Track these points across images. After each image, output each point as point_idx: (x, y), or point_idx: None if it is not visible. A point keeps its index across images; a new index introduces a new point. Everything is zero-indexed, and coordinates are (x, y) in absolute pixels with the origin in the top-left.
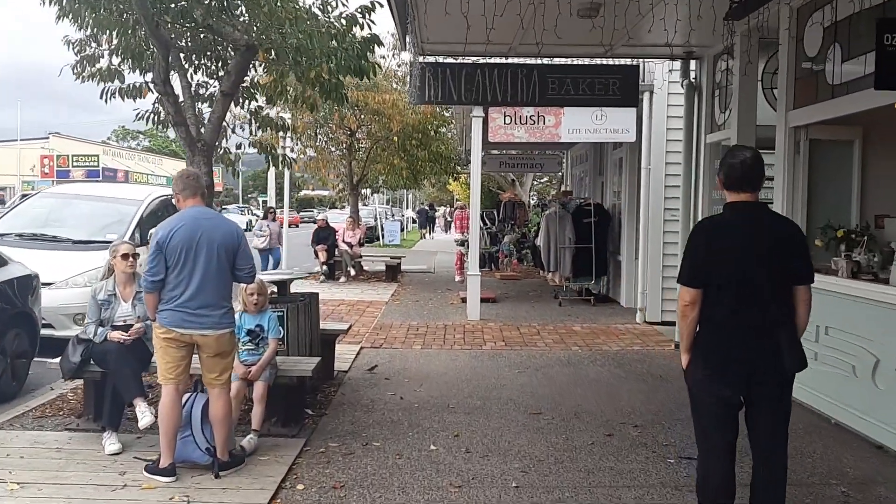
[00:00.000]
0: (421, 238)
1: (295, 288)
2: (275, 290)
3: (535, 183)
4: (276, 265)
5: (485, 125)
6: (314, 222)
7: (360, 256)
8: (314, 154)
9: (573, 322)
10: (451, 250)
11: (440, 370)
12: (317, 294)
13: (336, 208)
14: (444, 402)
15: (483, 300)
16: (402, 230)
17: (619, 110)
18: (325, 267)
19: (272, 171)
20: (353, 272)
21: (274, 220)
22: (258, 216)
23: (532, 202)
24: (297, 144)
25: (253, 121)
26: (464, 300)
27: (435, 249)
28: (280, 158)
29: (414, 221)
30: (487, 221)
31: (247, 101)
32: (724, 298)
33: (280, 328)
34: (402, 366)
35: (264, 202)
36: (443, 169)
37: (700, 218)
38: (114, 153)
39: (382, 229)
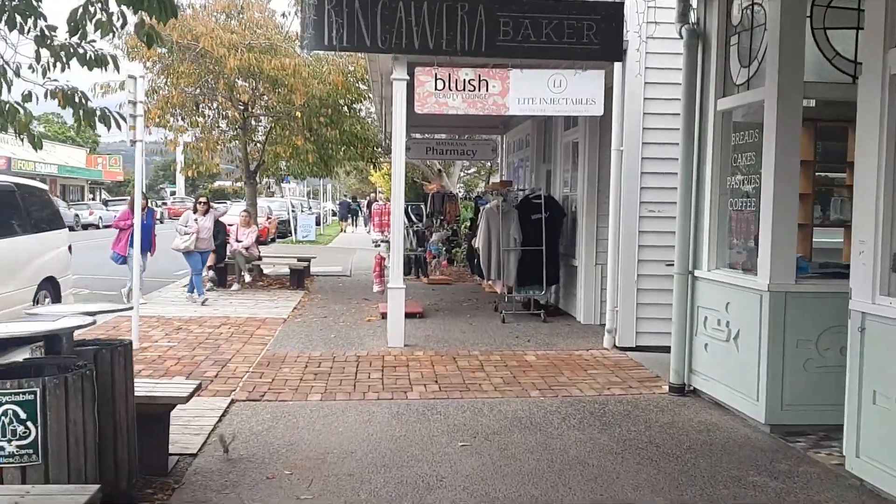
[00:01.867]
0: (341, 232)
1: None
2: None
3: (462, 174)
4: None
5: (410, 92)
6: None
7: (259, 258)
8: (200, 134)
9: (524, 347)
10: (371, 247)
11: (345, 446)
12: (128, 343)
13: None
14: None
15: (408, 315)
16: (318, 224)
17: (581, 77)
18: (210, 272)
19: (180, 157)
20: (248, 278)
21: (206, 213)
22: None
23: (460, 195)
24: (176, 121)
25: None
26: (384, 316)
27: (354, 246)
28: (107, 116)
29: (334, 214)
30: (413, 217)
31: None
32: None
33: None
34: (288, 438)
35: (172, 193)
36: (359, 154)
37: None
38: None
39: (296, 223)
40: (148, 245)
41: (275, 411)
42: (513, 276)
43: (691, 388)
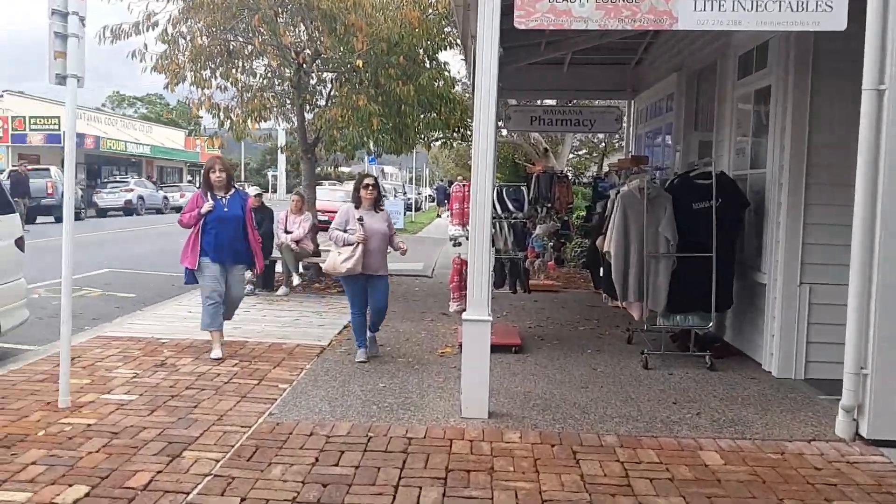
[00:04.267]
0: (437, 217)
1: None
2: None
3: (571, 156)
4: None
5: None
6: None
7: (315, 253)
8: (237, 93)
9: (693, 429)
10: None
11: None
12: None
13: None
14: None
15: (499, 347)
16: (410, 210)
17: None
18: (248, 273)
19: (282, 136)
20: (296, 280)
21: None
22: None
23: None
24: (213, 77)
25: None
26: (461, 348)
27: (446, 236)
28: None
29: (432, 200)
30: (510, 205)
31: None
32: None
33: None
34: None
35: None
36: (442, 120)
37: None
38: (89, 117)
39: None
40: (237, 255)
41: None
42: (662, 296)
43: None
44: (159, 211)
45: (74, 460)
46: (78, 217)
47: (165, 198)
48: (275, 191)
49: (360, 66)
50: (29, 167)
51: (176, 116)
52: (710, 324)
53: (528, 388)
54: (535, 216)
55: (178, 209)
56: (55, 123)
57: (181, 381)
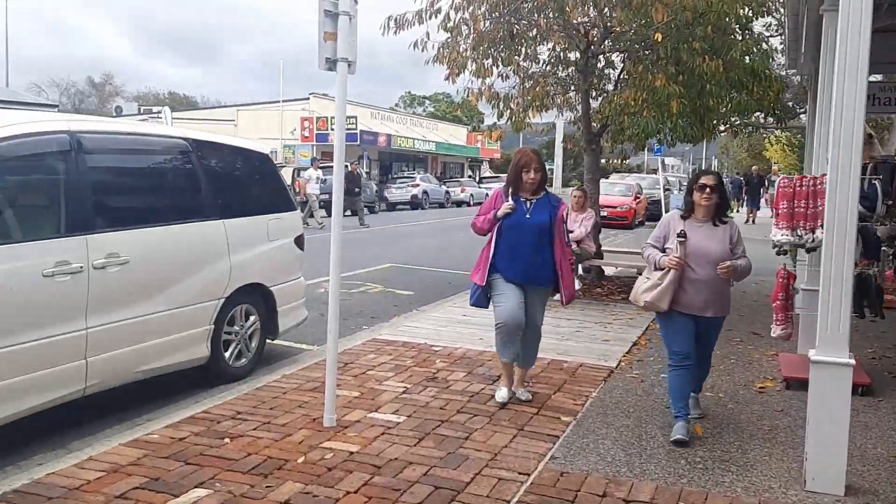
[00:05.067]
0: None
1: None
2: None
3: None
4: None
5: None
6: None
7: (596, 256)
8: (518, 81)
9: None
10: (765, 236)
11: None
12: None
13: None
14: None
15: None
16: None
17: None
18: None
19: (560, 127)
20: (577, 285)
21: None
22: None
23: None
24: (494, 65)
25: None
26: (788, 384)
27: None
28: None
29: None
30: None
31: None
32: None
33: None
34: None
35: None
36: (754, 101)
37: None
38: (383, 117)
39: (667, 203)
40: (536, 275)
41: None
42: None
43: None
44: (441, 205)
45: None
46: (371, 210)
47: (447, 192)
48: (549, 184)
49: (659, 40)
50: (319, 159)
51: (460, 113)
52: None
53: (893, 449)
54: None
55: (458, 204)
56: (352, 123)
57: (452, 402)
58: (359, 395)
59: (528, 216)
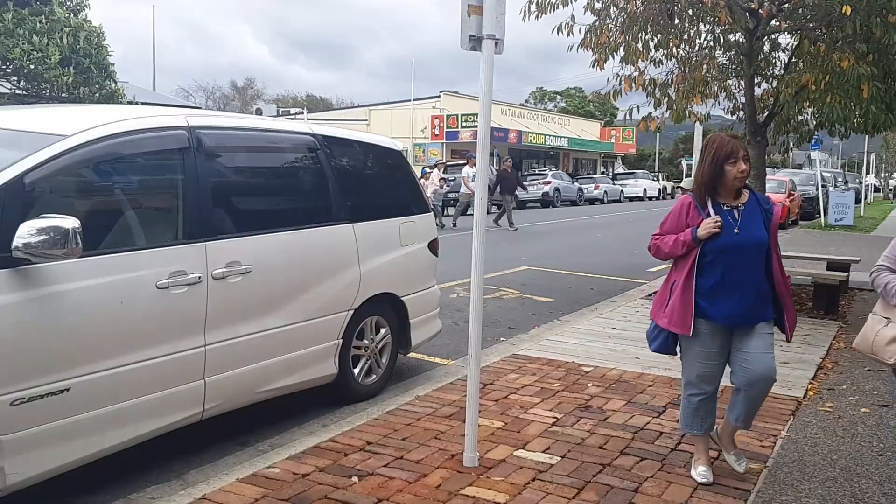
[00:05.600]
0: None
1: None
2: None
3: None
4: None
5: None
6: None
7: None
8: (676, 66)
9: None
10: None
11: None
12: None
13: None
14: None
15: None
16: (857, 202)
17: None
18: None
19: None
20: None
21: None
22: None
23: None
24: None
25: None
26: None
27: None
28: None
29: (877, 190)
30: None
31: None
32: None
33: None
34: None
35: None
36: None
37: None
38: (513, 113)
39: (826, 202)
40: (758, 308)
41: None
42: None
43: None
44: (574, 203)
45: None
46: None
47: (580, 189)
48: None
49: (847, 12)
50: (444, 162)
51: (592, 108)
52: None
53: None
54: None
55: (592, 202)
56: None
57: (613, 440)
58: (502, 425)
59: (736, 231)
